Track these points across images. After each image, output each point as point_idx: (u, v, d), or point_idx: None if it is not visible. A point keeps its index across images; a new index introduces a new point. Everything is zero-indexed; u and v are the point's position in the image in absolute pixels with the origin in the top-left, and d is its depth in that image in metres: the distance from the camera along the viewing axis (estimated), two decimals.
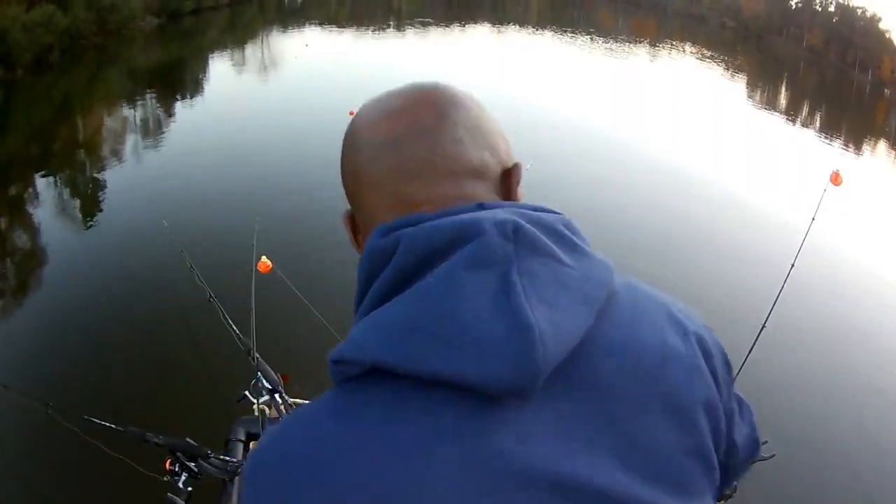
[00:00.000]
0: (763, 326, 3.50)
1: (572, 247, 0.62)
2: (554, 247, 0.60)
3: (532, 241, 0.59)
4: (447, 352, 0.54)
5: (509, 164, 0.71)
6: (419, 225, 0.61)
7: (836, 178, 4.29)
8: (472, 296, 0.55)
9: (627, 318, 0.63)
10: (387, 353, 0.55)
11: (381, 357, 0.56)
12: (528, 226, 0.59)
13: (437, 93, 0.70)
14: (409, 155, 0.67)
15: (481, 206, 0.63)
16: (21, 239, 8.73)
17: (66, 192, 10.04)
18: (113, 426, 2.04)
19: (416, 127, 0.67)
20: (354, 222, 0.73)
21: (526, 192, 0.72)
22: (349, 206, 0.73)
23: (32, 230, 8.74)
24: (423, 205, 0.65)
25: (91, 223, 8.82)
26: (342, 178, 0.72)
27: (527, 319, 0.54)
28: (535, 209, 0.64)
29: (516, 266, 0.57)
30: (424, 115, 0.68)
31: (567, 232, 0.63)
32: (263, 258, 3.38)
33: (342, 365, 0.58)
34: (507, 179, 0.70)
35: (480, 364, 0.53)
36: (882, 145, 24.49)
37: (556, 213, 0.65)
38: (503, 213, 0.60)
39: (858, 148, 22.16)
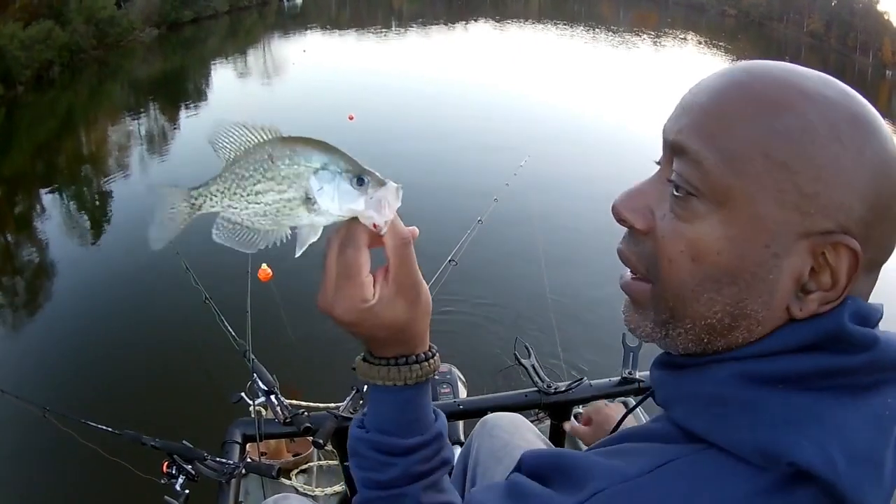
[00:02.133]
0: None
1: None
2: None
3: None
4: None
5: None
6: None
7: None
8: None
9: None
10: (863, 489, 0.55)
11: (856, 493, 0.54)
12: None
13: None
14: None
15: None
16: (17, 246, 8.76)
17: (68, 202, 10.09)
18: (109, 429, 2.04)
19: None
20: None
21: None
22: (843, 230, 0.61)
23: (31, 238, 8.78)
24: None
25: (88, 229, 8.86)
26: (853, 187, 0.61)
27: None
28: None
29: None
30: None
31: None
32: (264, 266, 3.35)
33: (798, 478, 0.55)
34: None
35: None
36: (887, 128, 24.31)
37: None
38: None
39: None
